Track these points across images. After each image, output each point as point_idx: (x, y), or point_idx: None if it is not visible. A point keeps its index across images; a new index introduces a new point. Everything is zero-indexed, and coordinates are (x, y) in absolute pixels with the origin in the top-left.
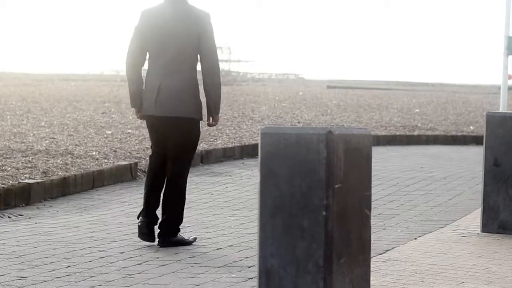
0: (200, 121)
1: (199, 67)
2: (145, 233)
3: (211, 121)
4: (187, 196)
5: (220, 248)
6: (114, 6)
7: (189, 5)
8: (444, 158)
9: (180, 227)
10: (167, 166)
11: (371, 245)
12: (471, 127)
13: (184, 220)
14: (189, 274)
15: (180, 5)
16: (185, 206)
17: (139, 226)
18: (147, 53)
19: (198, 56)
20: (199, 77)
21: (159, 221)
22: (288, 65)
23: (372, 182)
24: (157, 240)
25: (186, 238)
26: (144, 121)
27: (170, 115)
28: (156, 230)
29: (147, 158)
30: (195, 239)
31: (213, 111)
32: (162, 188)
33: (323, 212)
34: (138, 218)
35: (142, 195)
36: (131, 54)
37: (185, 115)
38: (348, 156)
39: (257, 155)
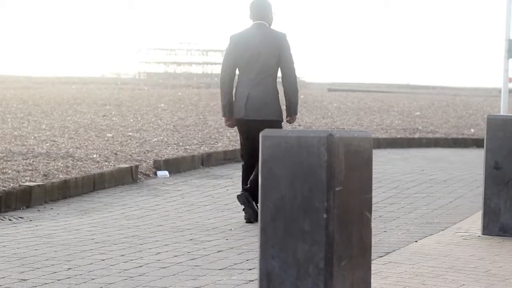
0: (281, 122)
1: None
2: (245, 202)
3: (289, 119)
4: (188, 199)
5: (221, 251)
6: (114, 6)
7: (269, 29)
8: (445, 161)
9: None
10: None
11: (372, 247)
12: (472, 130)
13: (184, 222)
14: (190, 276)
15: (262, 29)
16: (186, 209)
17: (239, 196)
18: (237, 69)
19: (279, 68)
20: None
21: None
22: None
23: (373, 185)
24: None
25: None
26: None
27: (257, 119)
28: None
29: (148, 161)
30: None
31: (292, 111)
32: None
33: (324, 215)
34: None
35: (143, 198)
36: (224, 71)
37: (269, 118)
38: (349, 159)
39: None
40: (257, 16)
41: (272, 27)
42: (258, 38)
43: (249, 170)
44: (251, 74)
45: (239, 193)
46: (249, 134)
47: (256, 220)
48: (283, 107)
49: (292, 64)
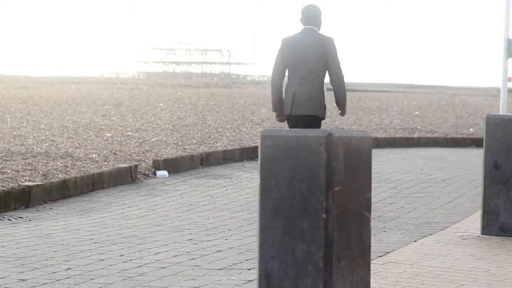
0: (323, 120)
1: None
2: None
3: (340, 113)
4: (187, 199)
5: (220, 251)
6: (113, 6)
7: (318, 33)
8: (444, 160)
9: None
10: None
11: (371, 247)
12: (471, 130)
13: (183, 222)
14: (189, 276)
15: (311, 33)
16: (185, 209)
17: None
18: (287, 69)
19: (326, 70)
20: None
21: None
22: None
23: (372, 185)
24: None
25: None
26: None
27: (301, 114)
28: None
29: (147, 161)
30: None
31: (342, 107)
32: None
33: (323, 215)
34: None
35: (142, 198)
36: (275, 70)
37: (312, 113)
38: (348, 158)
39: (257, 157)
40: (307, 21)
41: (321, 31)
42: (307, 42)
43: None
44: (299, 74)
45: None
46: (294, 127)
47: None
48: (333, 104)
49: (339, 66)
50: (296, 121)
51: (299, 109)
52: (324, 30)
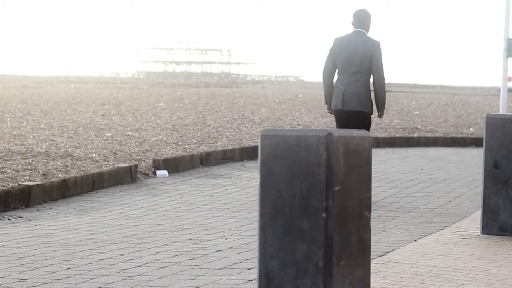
0: (371, 115)
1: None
2: None
3: (379, 114)
4: (187, 198)
5: (220, 250)
6: (113, 6)
7: (366, 36)
8: (444, 160)
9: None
10: None
11: (371, 247)
12: (471, 129)
13: (183, 222)
14: (189, 276)
15: (360, 36)
16: (185, 209)
17: None
18: (337, 67)
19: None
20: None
21: None
22: (288, 67)
23: (372, 184)
24: None
25: None
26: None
27: (352, 110)
28: None
29: (147, 160)
30: None
31: (381, 107)
32: None
33: (323, 214)
34: None
35: (142, 198)
36: (325, 67)
37: (361, 109)
38: (348, 158)
39: (257, 157)
40: (357, 24)
41: (369, 34)
42: (355, 43)
43: None
44: (348, 73)
45: None
46: (345, 122)
47: None
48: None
49: (381, 68)
50: (345, 116)
51: (349, 105)
52: (323, 31)
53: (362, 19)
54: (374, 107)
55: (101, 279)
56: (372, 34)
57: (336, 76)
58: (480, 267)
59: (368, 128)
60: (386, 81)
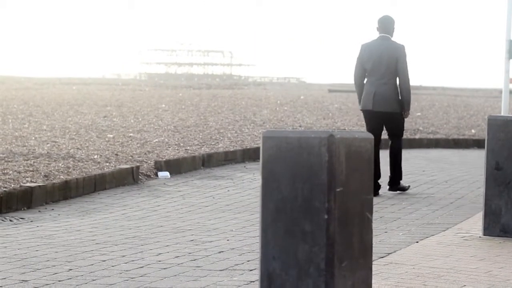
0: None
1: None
2: (391, 183)
3: (404, 113)
4: (189, 200)
5: (222, 252)
6: (114, 7)
7: (391, 41)
8: (446, 161)
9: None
10: (390, 143)
11: (373, 248)
12: (473, 131)
13: (185, 223)
14: (191, 277)
15: (385, 40)
16: (187, 210)
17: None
18: (365, 71)
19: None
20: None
21: (389, 179)
22: (289, 68)
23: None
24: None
25: (406, 185)
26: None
27: (381, 110)
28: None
29: (149, 162)
30: (409, 186)
31: (406, 107)
32: (379, 161)
33: (325, 216)
34: None
35: (144, 199)
36: (356, 73)
37: (392, 110)
38: (350, 159)
39: (259, 158)
40: (382, 30)
41: (393, 39)
42: (382, 48)
43: (377, 160)
44: (377, 76)
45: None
46: (375, 122)
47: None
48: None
49: (406, 70)
50: (375, 116)
51: (379, 106)
52: (323, 31)
53: (386, 25)
54: None
55: (102, 280)
56: (371, 34)
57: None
58: (482, 269)
59: (402, 127)
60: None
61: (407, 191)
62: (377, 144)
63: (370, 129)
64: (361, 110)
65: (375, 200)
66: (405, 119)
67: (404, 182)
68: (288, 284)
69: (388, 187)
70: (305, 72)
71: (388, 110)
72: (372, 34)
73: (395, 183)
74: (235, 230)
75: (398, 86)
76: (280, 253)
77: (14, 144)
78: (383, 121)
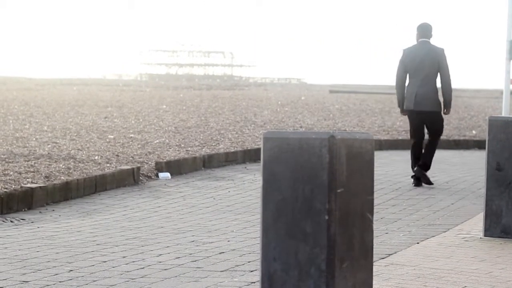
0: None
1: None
2: (417, 176)
3: (446, 111)
4: (189, 201)
5: (223, 252)
6: (115, 8)
7: (431, 45)
8: (447, 162)
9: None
10: (429, 138)
11: (374, 249)
12: (474, 132)
13: (186, 224)
14: (192, 278)
15: (426, 45)
16: (188, 211)
17: (415, 172)
18: (407, 73)
19: (438, 74)
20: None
21: (417, 166)
22: (290, 69)
23: (375, 187)
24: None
25: (430, 179)
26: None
27: (422, 109)
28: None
29: (149, 163)
30: (432, 183)
31: (448, 105)
32: (420, 156)
33: (326, 217)
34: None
35: (145, 200)
36: (398, 74)
37: (432, 109)
38: (351, 160)
39: (260, 159)
40: (422, 35)
41: (432, 43)
42: (423, 52)
43: (416, 149)
44: (418, 78)
45: (415, 169)
46: (417, 120)
47: (429, 183)
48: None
49: (448, 71)
50: (416, 115)
51: (420, 106)
52: (323, 31)
53: (425, 31)
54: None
55: (103, 282)
56: (375, 37)
57: (407, 81)
58: (482, 270)
59: (441, 125)
60: (391, 84)
61: (406, 193)
62: (421, 140)
63: (413, 127)
64: (404, 110)
65: (376, 201)
66: (443, 119)
67: (405, 183)
68: (288, 285)
69: (416, 168)
70: (306, 72)
71: (428, 110)
72: (372, 34)
73: (424, 171)
74: (236, 231)
75: (437, 87)
76: (280, 254)
77: (15, 145)
78: (424, 119)
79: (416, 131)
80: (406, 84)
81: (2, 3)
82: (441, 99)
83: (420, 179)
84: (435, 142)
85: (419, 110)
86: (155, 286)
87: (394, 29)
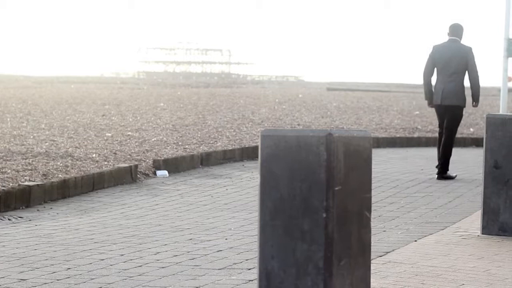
0: (464, 108)
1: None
2: (440, 172)
3: (474, 104)
4: (187, 199)
5: (220, 250)
6: (113, 6)
7: (460, 43)
8: None
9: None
10: (444, 135)
11: (371, 247)
12: (471, 129)
13: (184, 222)
14: (189, 276)
15: (455, 43)
16: (186, 209)
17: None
18: (435, 69)
19: (466, 71)
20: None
21: (439, 164)
22: (288, 67)
23: (372, 184)
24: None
25: (453, 174)
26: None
27: (448, 104)
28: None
29: (147, 161)
30: (456, 176)
31: (476, 100)
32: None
33: (323, 214)
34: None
35: (142, 198)
36: (426, 69)
37: (457, 104)
38: (348, 158)
39: (257, 157)
40: (453, 34)
41: (462, 42)
42: (452, 49)
43: (441, 140)
44: (446, 74)
45: (437, 165)
46: (442, 113)
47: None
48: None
49: (476, 68)
50: (444, 110)
51: (448, 100)
52: (324, 30)
53: (456, 30)
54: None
55: (101, 279)
56: (372, 34)
57: (435, 77)
58: (480, 267)
59: (459, 118)
60: (391, 81)
61: (403, 191)
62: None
63: (440, 121)
64: (432, 104)
65: (374, 199)
66: (461, 115)
67: (403, 180)
68: (286, 283)
69: (436, 176)
70: (303, 70)
71: (454, 104)
72: (371, 34)
73: (444, 170)
74: (234, 229)
75: (464, 83)
76: (278, 251)
77: (12, 143)
78: (447, 113)
79: (442, 124)
80: (434, 79)
81: (2, 3)
82: (467, 95)
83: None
84: (448, 143)
85: (445, 105)
86: (153, 284)
87: (391, 28)
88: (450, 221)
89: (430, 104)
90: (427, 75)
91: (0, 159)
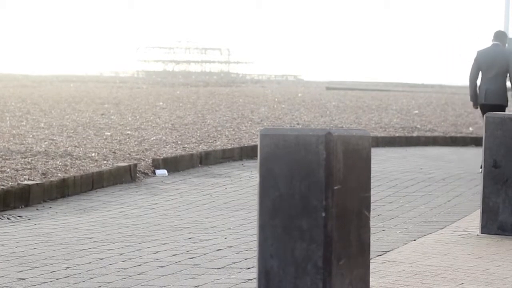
0: (506, 107)
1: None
2: None
3: None
4: (186, 198)
5: (220, 250)
6: (112, 5)
7: (502, 48)
8: (443, 159)
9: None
10: None
11: (370, 246)
12: (470, 129)
13: (183, 221)
14: (188, 275)
15: (498, 47)
16: (185, 208)
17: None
18: (480, 72)
19: (507, 73)
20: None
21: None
22: (287, 66)
23: (372, 183)
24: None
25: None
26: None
27: (491, 103)
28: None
29: (146, 160)
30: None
31: None
32: None
33: (322, 213)
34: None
35: (142, 197)
36: (472, 73)
37: (500, 103)
38: (347, 157)
39: (256, 156)
40: (496, 39)
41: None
42: (495, 53)
43: None
44: (490, 75)
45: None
46: (486, 112)
47: None
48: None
49: None
50: (487, 108)
51: (491, 100)
52: (323, 30)
53: (500, 36)
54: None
55: (100, 279)
56: (372, 34)
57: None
58: (479, 267)
59: None
60: (388, 80)
61: (403, 190)
62: None
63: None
64: (477, 104)
65: (373, 198)
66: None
67: (402, 179)
68: (285, 282)
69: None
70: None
71: (496, 103)
72: (371, 34)
73: None
74: (233, 228)
75: (506, 84)
76: (277, 251)
77: (11, 142)
78: (491, 111)
79: None
80: (478, 81)
81: (2, 3)
82: (509, 94)
83: None
84: None
85: (488, 104)
86: (152, 283)
87: (392, 28)
88: (449, 220)
89: (475, 105)
90: (473, 78)
91: None
